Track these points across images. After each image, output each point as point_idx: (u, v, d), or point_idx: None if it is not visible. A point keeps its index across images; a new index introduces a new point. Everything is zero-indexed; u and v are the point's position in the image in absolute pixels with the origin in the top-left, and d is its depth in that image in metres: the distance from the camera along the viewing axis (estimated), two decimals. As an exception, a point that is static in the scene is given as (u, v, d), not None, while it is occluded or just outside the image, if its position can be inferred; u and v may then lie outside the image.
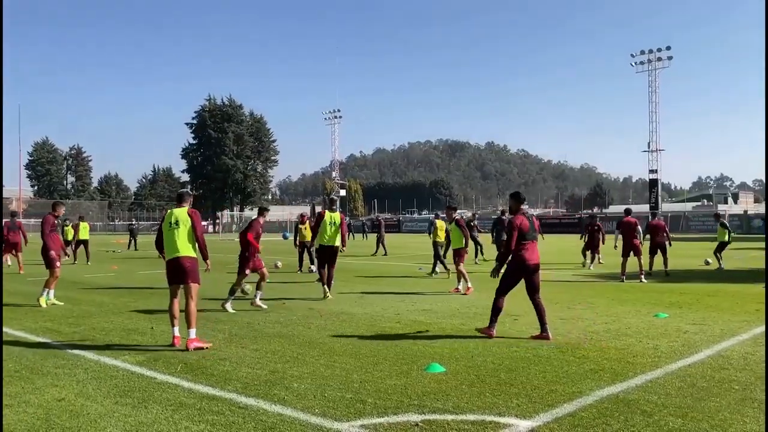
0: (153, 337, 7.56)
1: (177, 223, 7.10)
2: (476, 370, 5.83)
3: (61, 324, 8.63)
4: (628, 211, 15.28)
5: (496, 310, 7.45)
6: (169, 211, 7.29)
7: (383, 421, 4.39)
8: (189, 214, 7.14)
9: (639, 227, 14.52)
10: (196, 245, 7.15)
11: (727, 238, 17.97)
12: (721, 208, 76.05)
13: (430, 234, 16.82)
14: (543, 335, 7.26)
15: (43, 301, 10.38)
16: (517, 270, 7.41)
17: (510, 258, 7.45)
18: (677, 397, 4.90)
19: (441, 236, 15.61)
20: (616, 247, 15.45)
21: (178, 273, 7.07)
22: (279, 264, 19.28)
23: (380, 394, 5.06)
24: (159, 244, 7.36)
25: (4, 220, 18.97)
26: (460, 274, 12.20)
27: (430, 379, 5.52)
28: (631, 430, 4.17)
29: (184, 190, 7.69)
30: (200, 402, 4.87)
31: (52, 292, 10.68)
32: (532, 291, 7.45)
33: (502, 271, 7.64)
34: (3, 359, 6.14)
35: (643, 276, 14.03)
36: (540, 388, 5.18)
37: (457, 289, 12.28)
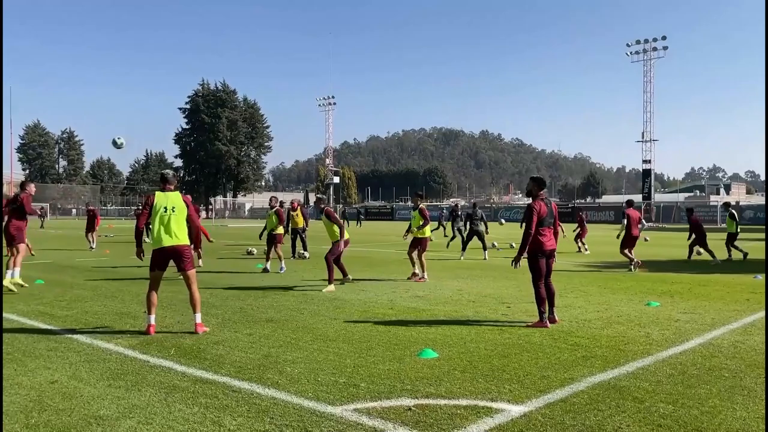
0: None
1: (174, 208, 6.81)
2: (469, 356, 5.85)
3: (53, 307, 8.61)
4: (630, 203, 15.37)
5: (540, 300, 7.29)
6: (159, 194, 6.88)
7: (376, 405, 4.41)
8: (185, 202, 6.97)
9: (643, 220, 15.04)
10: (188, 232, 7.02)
11: (735, 228, 17.99)
12: (713, 198, 76.43)
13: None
14: (550, 318, 7.36)
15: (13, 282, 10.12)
16: (536, 254, 7.38)
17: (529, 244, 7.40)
18: (668, 384, 4.95)
19: None
20: (618, 236, 15.44)
21: (179, 260, 6.84)
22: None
23: (373, 378, 5.08)
24: (139, 232, 6.89)
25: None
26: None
27: (423, 364, 5.54)
28: (622, 415, 4.21)
29: (170, 171, 7.23)
30: (194, 385, 4.87)
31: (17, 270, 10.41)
32: (546, 274, 7.49)
33: (524, 258, 7.47)
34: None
35: (639, 263, 14.21)
36: (532, 375, 5.21)
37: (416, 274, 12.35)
